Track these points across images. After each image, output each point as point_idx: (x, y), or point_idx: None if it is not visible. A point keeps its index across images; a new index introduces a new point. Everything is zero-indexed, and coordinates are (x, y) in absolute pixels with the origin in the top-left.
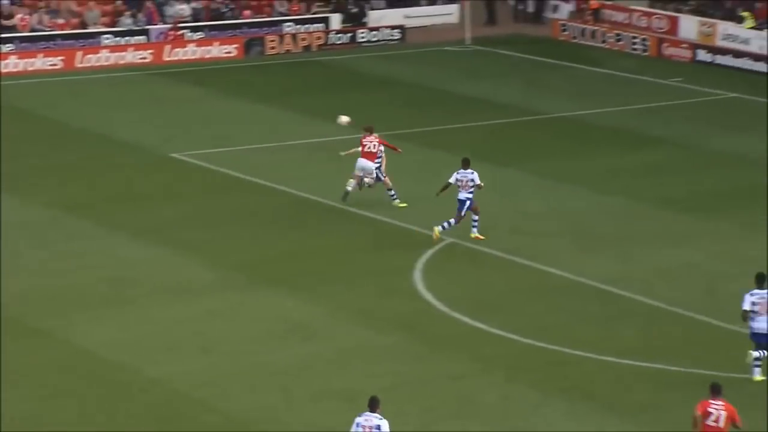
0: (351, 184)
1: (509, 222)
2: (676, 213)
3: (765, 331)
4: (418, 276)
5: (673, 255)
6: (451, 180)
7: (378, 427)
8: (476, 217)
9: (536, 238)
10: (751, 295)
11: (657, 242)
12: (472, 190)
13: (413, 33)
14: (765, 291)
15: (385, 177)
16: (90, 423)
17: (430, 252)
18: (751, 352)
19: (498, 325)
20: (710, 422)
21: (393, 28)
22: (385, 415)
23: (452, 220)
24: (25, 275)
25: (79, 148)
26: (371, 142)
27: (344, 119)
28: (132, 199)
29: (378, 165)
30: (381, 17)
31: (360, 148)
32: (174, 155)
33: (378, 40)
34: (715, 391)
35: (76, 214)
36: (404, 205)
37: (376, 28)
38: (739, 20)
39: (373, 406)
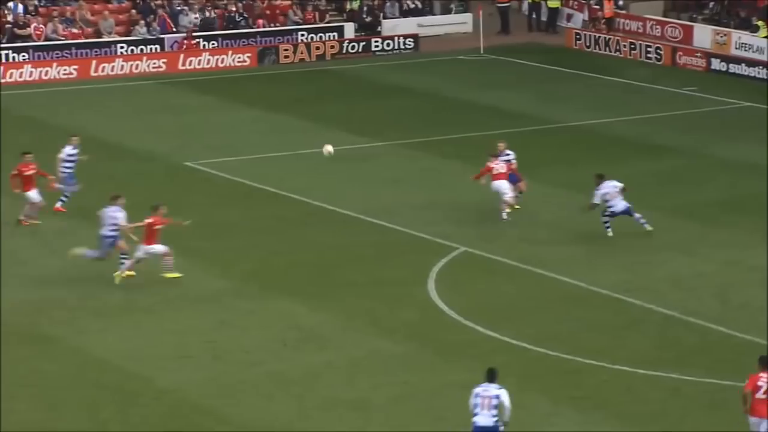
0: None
1: (521, 230)
2: (689, 221)
3: None
4: (430, 284)
5: (685, 263)
6: (596, 200)
7: (497, 397)
8: None
9: (548, 247)
10: None
11: (669, 251)
12: (622, 195)
13: (427, 42)
14: None
15: (521, 181)
16: None
17: (442, 261)
18: None
19: (510, 333)
20: (761, 395)
21: (406, 37)
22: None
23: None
24: (37, 283)
25: (92, 156)
26: (497, 164)
27: (329, 149)
28: (144, 207)
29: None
30: (395, 26)
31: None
32: (188, 164)
33: (392, 49)
34: (765, 363)
35: (88, 221)
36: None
37: (390, 37)
38: (754, 29)
39: (491, 377)
